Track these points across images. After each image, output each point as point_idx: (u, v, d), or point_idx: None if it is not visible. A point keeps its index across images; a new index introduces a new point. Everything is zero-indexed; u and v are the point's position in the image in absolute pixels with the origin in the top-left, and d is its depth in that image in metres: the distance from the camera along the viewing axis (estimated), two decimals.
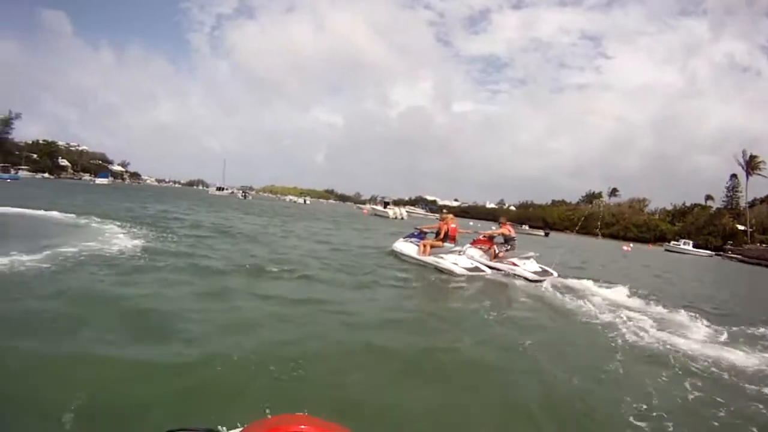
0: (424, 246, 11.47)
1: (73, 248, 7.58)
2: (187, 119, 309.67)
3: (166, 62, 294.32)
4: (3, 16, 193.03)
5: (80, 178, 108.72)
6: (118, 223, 12.66)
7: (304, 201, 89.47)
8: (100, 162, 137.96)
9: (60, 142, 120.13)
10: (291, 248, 12.43)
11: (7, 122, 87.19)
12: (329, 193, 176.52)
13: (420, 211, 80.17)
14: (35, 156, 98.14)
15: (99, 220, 13.08)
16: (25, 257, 6.43)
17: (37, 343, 3.78)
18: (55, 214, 13.51)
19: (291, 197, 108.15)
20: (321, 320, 5.47)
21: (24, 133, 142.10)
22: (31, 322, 4.29)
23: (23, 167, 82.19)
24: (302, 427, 0.83)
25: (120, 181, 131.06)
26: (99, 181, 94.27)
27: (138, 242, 9.47)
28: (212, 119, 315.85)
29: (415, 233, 12.37)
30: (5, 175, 60.97)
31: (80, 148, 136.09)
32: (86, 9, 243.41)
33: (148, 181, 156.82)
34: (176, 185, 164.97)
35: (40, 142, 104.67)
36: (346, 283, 8.03)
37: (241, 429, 1.02)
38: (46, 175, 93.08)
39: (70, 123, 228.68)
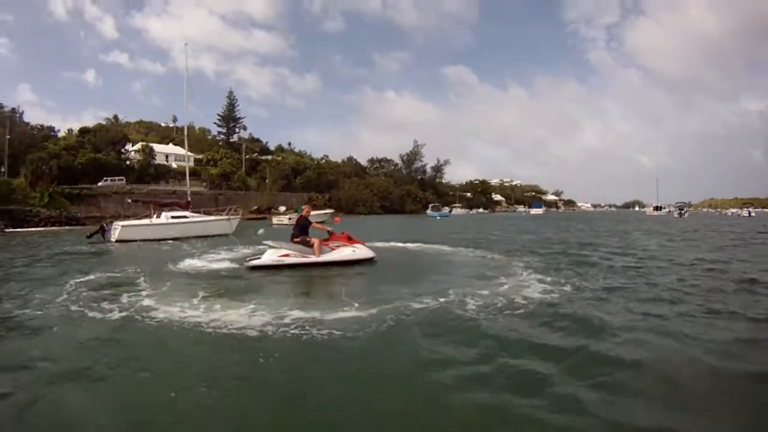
0: None
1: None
2: (611, 139, 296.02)
3: (576, 84, 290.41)
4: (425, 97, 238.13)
5: (514, 210, 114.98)
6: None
7: (749, 213, 71.79)
8: (534, 193, 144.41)
9: (493, 180, 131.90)
10: None
11: (439, 168, 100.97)
12: None
13: None
14: (468, 194, 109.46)
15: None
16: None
17: None
18: (445, 248, 14.63)
19: (733, 210, 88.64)
20: None
21: (459, 175, 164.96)
22: None
23: (456, 205, 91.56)
24: None
25: (554, 209, 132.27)
26: (534, 211, 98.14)
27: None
28: (637, 134, 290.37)
29: None
30: (435, 213, 66.95)
31: (513, 183, 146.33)
32: (480, 57, 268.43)
33: (582, 207, 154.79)
34: (611, 209, 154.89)
35: (473, 181, 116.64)
36: None
37: None
38: (481, 210, 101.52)
39: (499, 161, 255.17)
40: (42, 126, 56.14)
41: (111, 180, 47.39)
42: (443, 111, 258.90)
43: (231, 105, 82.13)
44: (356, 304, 6.33)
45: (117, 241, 18.12)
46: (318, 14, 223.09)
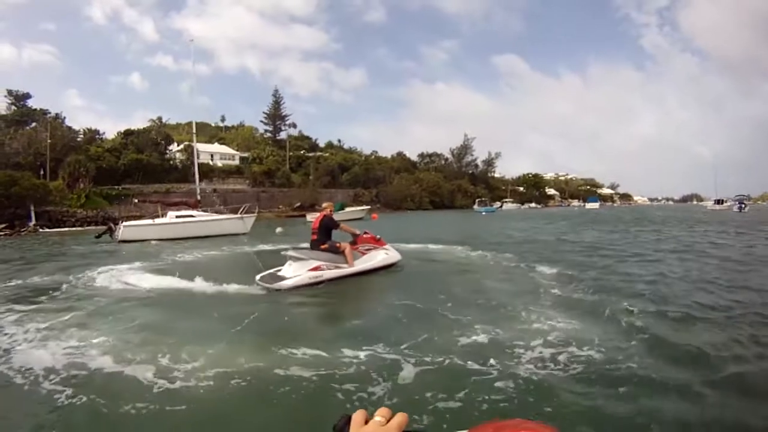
0: None
1: None
2: (670, 128, 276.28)
3: (631, 71, 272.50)
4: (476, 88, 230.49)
5: (568, 205, 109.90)
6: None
7: None
8: (589, 187, 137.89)
9: (547, 174, 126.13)
10: None
11: (490, 162, 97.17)
12: None
13: None
14: (521, 188, 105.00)
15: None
16: None
17: None
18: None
19: None
20: None
21: (512, 169, 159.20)
22: None
23: (507, 200, 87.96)
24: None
25: (610, 203, 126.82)
26: (589, 205, 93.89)
27: None
28: (695, 122, 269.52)
29: None
30: (482, 209, 64.48)
31: (567, 176, 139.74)
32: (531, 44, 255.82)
33: (639, 201, 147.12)
34: (669, 202, 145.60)
35: (526, 175, 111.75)
36: None
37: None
38: (533, 204, 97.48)
39: (554, 154, 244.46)
40: (89, 129, 57.86)
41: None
42: (495, 102, 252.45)
43: (276, 102, 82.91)
44: None
45: (121, 241, 17.47)
46: (358, 5, 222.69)
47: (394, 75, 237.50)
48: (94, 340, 4.91)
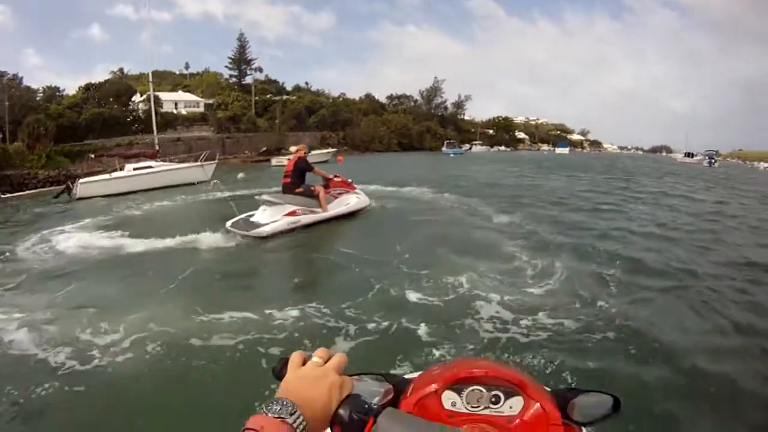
0: None
1: None
2: (645, 80, 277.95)
3: (609, 20, 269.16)
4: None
5: (537, 149, 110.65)
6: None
7: None
8: (559, 132, 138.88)
9: (518, 118, 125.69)
10: None
11: (460, 105, 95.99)
12: None
13: None
14: (491, 131, 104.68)
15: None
16: None
17: None
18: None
19: (765, 164, 77.91)
20: None
21: (485, 112, 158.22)
22: None
23: (477, 142, 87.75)
24: (484, 371, 0.88)
25: (579, 149, 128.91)
26: (559, 150, 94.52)
27: None
28: (672, 78, 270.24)
29: None
30: (450, 151, 64.17)
31: (538, 121, 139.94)
32: None
33: (609, 149, 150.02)
34: (638, 152, 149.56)
35: (496, 118, 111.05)
36: None
37: (419, 373, 1.00)
38: (502, 147, 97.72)
39: (529, 99, 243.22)
40: (48, 87, 54.51)
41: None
42: (467, 46, 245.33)
43: (242, 47, 78.13)
44: None
45: (78, 198, 16.63)
46: None
47: (364, 17, 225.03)
48: (15, 315, 4.45)
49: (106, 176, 18.44)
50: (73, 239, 8.06)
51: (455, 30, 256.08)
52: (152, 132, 27.20)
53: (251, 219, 7.90)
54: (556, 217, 9.63)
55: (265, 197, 8.05)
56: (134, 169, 18.91)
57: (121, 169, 19.00)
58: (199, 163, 20.76)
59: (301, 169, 8.42)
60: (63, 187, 17.85)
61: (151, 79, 26.89)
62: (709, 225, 9.34)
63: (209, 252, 6.77)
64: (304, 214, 8.12)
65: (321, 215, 8.39)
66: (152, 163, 19.88)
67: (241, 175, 14.89)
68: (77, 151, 40.84)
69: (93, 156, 25.51)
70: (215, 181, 15.11)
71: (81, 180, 17.60)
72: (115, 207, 13.13)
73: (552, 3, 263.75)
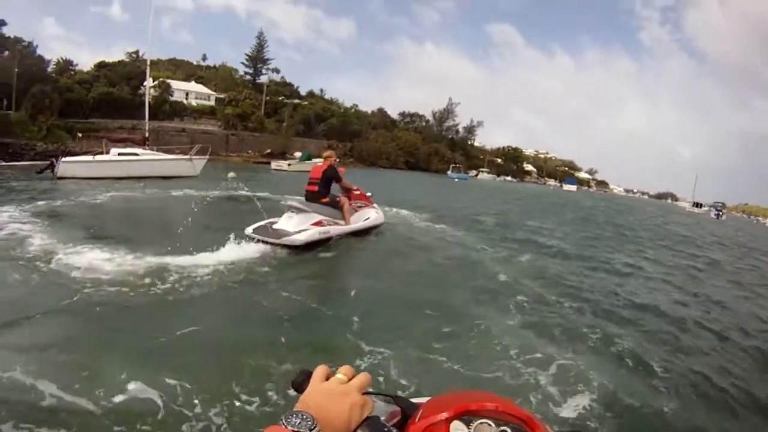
0: None
1: None
2: (655, 124, 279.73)
3: (628, 59, 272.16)
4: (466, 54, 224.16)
5: (544, 183, 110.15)
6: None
7: None
8: (567, 168, 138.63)
9: (527, 150, 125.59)
10: None
11: (471, 130, 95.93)
12: None
13: None
14: (499, 160, 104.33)
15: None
16: None
17: None
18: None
19: None
20: None
21: (493, 140, 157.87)
22: None
23: (484, 170, 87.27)
24: (495, 405, 0.86)
25: (586, 188, 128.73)
26: (566, 187, 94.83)
27: None
28: (682, 124, 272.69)
29: None
30: (455, 175, 63.61)
31: (548, 155, 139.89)
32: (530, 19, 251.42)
33: (615, 191, 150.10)
34: (644, 196, 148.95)
35: (506, 147, 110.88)
36: None
37: (428, 398, 0.97)
38: (509, 178, 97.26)
39: (537, 131, 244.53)
40: (62, 59, 53.79)
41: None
42: (483, 70, 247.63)
43: (260, 45, 78.52)
44: None
45: (59, 177, 15.98)
46: None
47: (385, 29, 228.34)
48: None
49: (89, 158, 17.77)
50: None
51: (472, 53, 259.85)
52: (159, 119, 26.69)
53: (274, 226, 7.24)
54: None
55: (293, 203, 7.55)
56: (119, 153, 18.29)
57: (106, 152, 18.35)
58: (187, 157, 20.13)
59: (329, 177, 7.94)
60: (48, 163, 17.21)
61: (149, 62, 26.58)
62: None
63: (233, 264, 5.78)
64: (329, 225, 7.64)
65: (346, 228, 7.97)
66: (138, 150, 19.22)
67: (231, 174, 14.21)
68: (79, 128, 40.47)
69: (80, 135, 24.95)
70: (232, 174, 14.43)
71: (63, 159, 16.94)
72: (95, 191, 12.34)
73: (572, 36, 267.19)
